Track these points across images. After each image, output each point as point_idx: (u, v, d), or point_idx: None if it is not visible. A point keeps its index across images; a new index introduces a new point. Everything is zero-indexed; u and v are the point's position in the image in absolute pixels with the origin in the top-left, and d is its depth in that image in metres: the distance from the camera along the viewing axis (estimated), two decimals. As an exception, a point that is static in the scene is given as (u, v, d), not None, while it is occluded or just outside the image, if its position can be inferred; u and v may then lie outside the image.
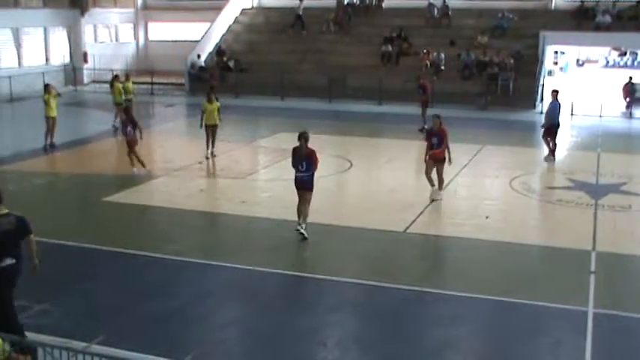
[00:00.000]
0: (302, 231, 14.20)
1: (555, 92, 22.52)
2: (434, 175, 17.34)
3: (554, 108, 22.32)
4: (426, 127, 26.65)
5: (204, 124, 21.91)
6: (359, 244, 14.73)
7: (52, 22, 40.08)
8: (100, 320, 10.74)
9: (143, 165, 19.76)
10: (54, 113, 23.35)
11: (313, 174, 14.32)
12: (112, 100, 27.74)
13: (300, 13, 40.13)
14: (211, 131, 21.88)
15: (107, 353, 6.95)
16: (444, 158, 17.19)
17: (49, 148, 23.13)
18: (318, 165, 14.37)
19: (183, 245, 14.21)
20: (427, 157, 17.36)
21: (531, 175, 20.75)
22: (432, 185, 17.38)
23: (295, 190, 14.48)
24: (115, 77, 28.30)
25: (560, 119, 22.54)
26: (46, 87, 24.40)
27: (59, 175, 20.24)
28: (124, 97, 26.87)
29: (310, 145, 14.42)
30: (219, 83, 34.61)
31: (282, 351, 9.98)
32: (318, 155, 14.39)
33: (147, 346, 9.48)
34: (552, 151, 22.12)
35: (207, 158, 21.67)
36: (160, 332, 10.36)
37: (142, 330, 10.44)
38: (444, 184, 17.66)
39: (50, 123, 23.31)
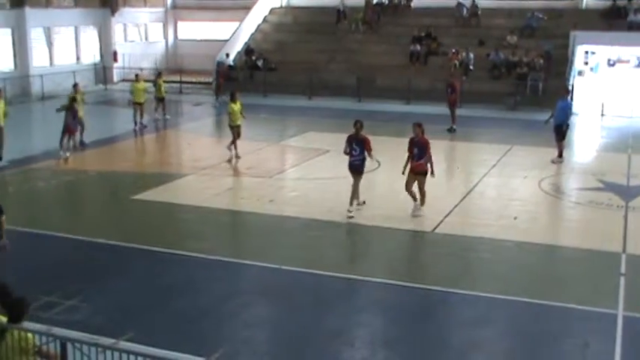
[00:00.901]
0: (351, 214, 15.67)
1: (566, 91, 22.18)
2: (415, 188, 15.96)
3: (565, 107, 21.98)
4: (454, 126, 26.63)
5: (232, 124, 21.93)
6: (387, 244, 14.71)
7: (82, 21, 40.43)
8: (128, 317, 10.83)
9: None
10: (81, 112, 23.56)
11: (364, 159, 15.78)
12: (155, 95, 28.72)
13: (342, 8, 40.11)
14: (237, 132, 21.92)
15: (135, 350, 6.98)
16: (426, 172, 15.72)
17: (79, 146, 23.37)
18: (371, 148, 15.75)
19: (212, 243, 14.28)
20: (406, 169, 15.92)
21: (560, 176, 20.58)
22: (415, 200, 15.98)
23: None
24: (159, 74, 29.81)
25: (570, 119, 22.24)
26: (75, 86, 24.69)
27: (88, 173, 20.40)
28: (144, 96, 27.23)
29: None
30: (223, 82, 34.78)
31: (309, 350, 10.00)
32: (369, 140, 15.81)
33: (175, 343, 9.55)
34: (560, 153, 21.74)
35: (238, 157, 21.72)
36: (188, 330, 10.42)
37: (170, 327, 10.52)
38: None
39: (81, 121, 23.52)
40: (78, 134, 23.41)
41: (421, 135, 15.89)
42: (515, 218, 16.00)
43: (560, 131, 21.63)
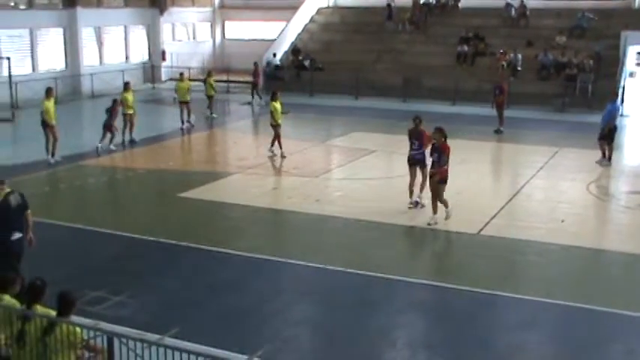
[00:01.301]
0: (419, 202, 16.38)
1: (614, 94, 21.86)
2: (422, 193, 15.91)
3: (612, 110, 21.65)
4: (501, 128, 26.38)
5: (274, 123, 22.04)
6: (431, 245, 14.66)
7: (132, 21, 40.94)
8: (174, 313, 10.95)
9: None
10: (131, 110, 24.03)
11: (424, 152, 16.28)
12: (205, 93, 29.23)
13: (392, 3, 40.05)
14: (278, 130, 22.07)
15: (180, 346, 7.05)
16: (445, 179, 15.21)
17: (129, 144, 23.72)
18: (427, 142, 16.12)
19: (257, 242, 14.36)
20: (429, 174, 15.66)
21: (609, 179, 20.27)
22: (434, 212, 15.33)
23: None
24: (209, 73, 30.39)
25: (617, 122, 21.87)
26: (126, 85, 25.05)
27: (136, 171, 20.66)
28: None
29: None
30: (258, 81, 34.95)
31: (351, 350, 10.00)
32: (427, 134, 16.15)
33: (219, 340, 9.63)
34: (609, 156, 21.38)
35: (283, 157, 21.84)
36: (232, 327, 10.51)
37: (214, 324, 10.62)
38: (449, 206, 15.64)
39: (127, 119, 23.95)
40: (128, 132, 23.77)
41: (442, 141, 15.14)
42: (562, 221, 15.81)
43: (609, 134, 21.32)
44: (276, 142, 22.02)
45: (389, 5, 40.09)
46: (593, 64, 33.03)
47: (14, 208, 10.61)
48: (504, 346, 10.24)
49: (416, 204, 16.46)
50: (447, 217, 15.40)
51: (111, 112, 23.16)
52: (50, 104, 21.18)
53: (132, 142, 23.93)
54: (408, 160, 16.62)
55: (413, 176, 16.59)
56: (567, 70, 33.24)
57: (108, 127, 22.94)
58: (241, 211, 16.89)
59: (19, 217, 10.69)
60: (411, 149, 16.56)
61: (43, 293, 8.02)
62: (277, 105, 21.99)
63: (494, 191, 18.91)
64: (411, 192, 16.52)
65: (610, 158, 21.33)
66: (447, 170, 15.15)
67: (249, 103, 33.74)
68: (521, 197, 17.87)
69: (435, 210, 15.26)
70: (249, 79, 35.66)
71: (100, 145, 22.72)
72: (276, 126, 21.96)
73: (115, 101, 23.56)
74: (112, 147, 22.89)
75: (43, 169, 20.40)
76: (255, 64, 35.39)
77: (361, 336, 10.44)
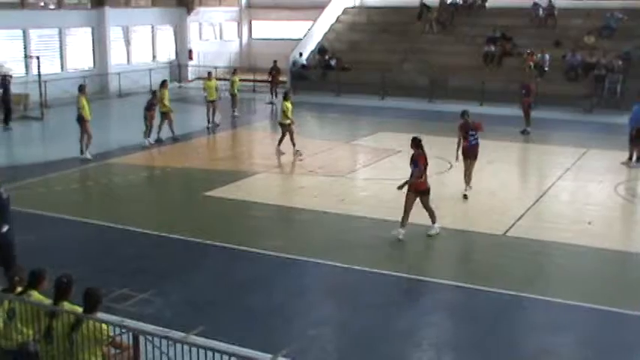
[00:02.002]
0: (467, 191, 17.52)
1: None
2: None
3: (639, 112, 21.39)
4: (528, 129, 26.20)
5: (283, 122, 22.34)
6: (457, 246, 14.59)
7: (159, 20, 41.22)
8: (199, 311, 11.00)
9: None
10: (167, 107, 24.42)
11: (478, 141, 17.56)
12: (230, 92, 29.60)
13: (425, 1, 39.98)
14: (287, 130, 22.31)
15: (205, 344, 7.08)
16: (427, 189, 14.53)
17: (171, 140, 24.29)
18: (483, 129, 17.72)
19: (283, 241, 14.38)
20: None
21: (638, 181, 20.06)
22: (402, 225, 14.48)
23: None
24: (234, 72, 30.87)
25: None
26: (163, 82, 25.47)
27: (163, 169, 20.77)
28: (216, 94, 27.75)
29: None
30: (277, 82, 35.00)
31: (376, 350, 9.98)
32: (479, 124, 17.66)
33: (243, 339, 9.64)
34: (637, 157, 21.14)
35: (298, 155, 22.07)
36: (256, 326, 10.54)
37: (239, 323, 10.64)
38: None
39: (164, 117, 24.42)
40: (167, 128, 24.18)
41: (419, 152, 14.45)
42: (589, 223, 15.67)
43: (637, 135, 21.08)
44: (289, 141, 22.25)
45: (424, 4, 39.89)
46: (622, 65, 32.68)
47: (4, 201, 11.05)
48: (531, 348, 10.17)
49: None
50: (430, 234, 14.56)
51: (150, 104, 23.64)
52: (85, 100, 21.49)
53: (174, 139, 24.34)
54: (463, 152, 17.54)
55: (467, 166, 17.66)
56: (595, 70, 32.90)
57: (147, 118, 23.66)
58: (266, 210, 16.93)
59: (7, 210, 11.15)
60: (468, 141, 17.47)
61: (70, 290, 8.09)
62: (289, 104, 22.26)
63: (520, 192, 18.78)
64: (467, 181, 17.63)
65: (639, 159, 21.11)
66: (421, 181, 14.35)
67: (272, 103, 33.81)
68: (548, 198, 17.74)
69: (403, 222, 14.35)
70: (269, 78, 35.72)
71: (147, 139, 23.55)
72: (286, 125, 22.19)
73: (154, 94, 24.17)
74: (147, 142, 23.46)
75: (71, 166, 20.58)
76: (275, 62, 35.40)
77: (386, 336, 10.41)
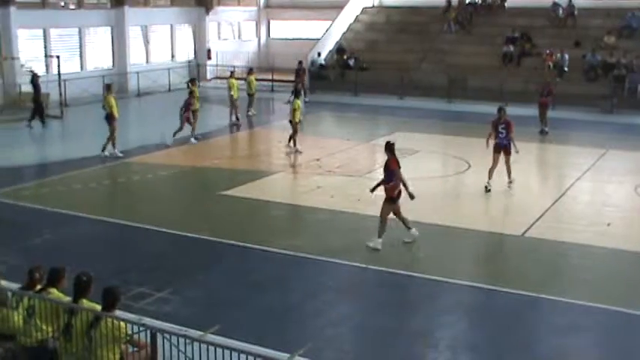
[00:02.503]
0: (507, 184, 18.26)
1: None
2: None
3: None
4: (546, 129, 26.07)
5: (296, 120, 22.63)
6: (475, 246, 14.55)
7: (178, 19, 41.37)
8: (216, 310, 11.03)
9: None
10: (197, 106, 24.80)
11: (510, 139, 17.93)
12: (247, 91, 29.57)
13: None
14: (295, 127, 22.67)
15: (222, 343, 7.11)
16: (391, 197, 13.90)
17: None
18: (514, 130, 18.02)
19: (299, 240, 14.39)
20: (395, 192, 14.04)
21: (658, 182, 19.92)
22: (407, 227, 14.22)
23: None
24: (250, 71, 30.82)
25: None
26: (192, 81, 25.91)
27: (181, 168, 20.83)
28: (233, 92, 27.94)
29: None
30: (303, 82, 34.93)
31: (392, 350, 9.98)
32: (513, 123, 18.17)
33: (260, 338, 9.66)
34: None
35: (299, 152, 22.41)
36: (273, 325, 10.57)
37: (256, 322, 10.67)
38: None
39: (196, 115, 24.80)
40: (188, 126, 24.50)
41: (390, 156, 13.99)
42: (608, 224, 15.57)
43: None
44: (293, 137, 22.61)
45: (449, 2, 39.79)
46: (643, 65, 32.46)
47: None
48: (548, 350, 10.12)
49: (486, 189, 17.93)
50: (370, 245, 13.83)
51: (187, 104, 24.12)
52: (114, 99, 21.94)
53: (196, 137, 24.52)
54: (496, 147, 18.05)
55: (496, 162, 18.03)
56: (615, 70, 32.69)
57: (185, 118, 24.02)
58: (284, 209, 16.96)
59: None
60: (497, 137, 17.98)
61: (89, 288, 8.15)
62: (299, 102, 22.79)
63: (539, 193, 18.71)
64: (491, 176, 17.95)
65: None
66: (393, 188, 13.85)
67: (290, 102, 33.84)
68: (567, 199, 17.65)
69: (382, 230, 13.90)
70: (294, 78, 35.64)
71: (193, 137, 24.17)
72: (295, 123, 22.50)
73: (191, 93, 24.58)
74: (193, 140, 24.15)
75: (90, 165, 20.71)
76: (300, 62, 35.37)
77: (402, 336, 10.41)
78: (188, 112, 24.06)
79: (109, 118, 21.75)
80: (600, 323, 11.04)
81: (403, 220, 14.17)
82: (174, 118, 24.08)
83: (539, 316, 11.27)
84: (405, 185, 13.94)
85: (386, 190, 13.97)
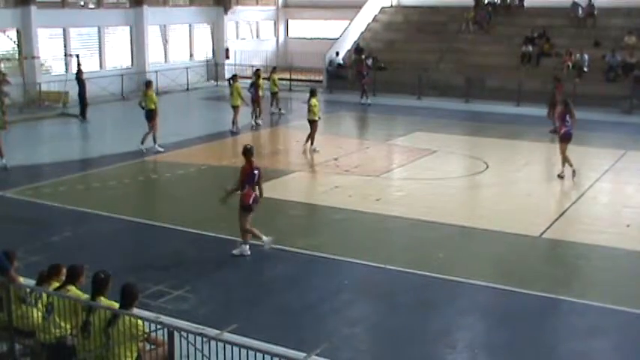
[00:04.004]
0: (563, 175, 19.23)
1: None
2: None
3: None
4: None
5: (311, 119, 22.72)
6: (493, 248, 14.48)
7: (196, 19, 41.47)
8: (233, 309, 11.06)
9: None
10: (237, 102, 25.37)
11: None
12: (270, 90, 29.86)
13: None
14: (314, 126, 22.74)
15: (239, 342, 7.12)
16: (246, 205, 13.31)
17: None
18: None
19: (317, 240, 14.39)
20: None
21: (678, 184, 19.75)
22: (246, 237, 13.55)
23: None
24: (274, 70, 31.46)
25: None
26: (234, 77, 26.50)
27: (200, 167, 20.86)
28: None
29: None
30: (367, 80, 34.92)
31: (409, 351, 9.96)
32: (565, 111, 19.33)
33: (277, 337, 9.66)
34: None
35: (315, 151, 22.54)
36: (291, 324, 10.57)
37: (273, 321, 10.68)
38: None
39: (235, 111, 25.50)
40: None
41: (246, 161, 13.42)
42: (628, 226, 15.46)
43: None
44: (312, 136, 22.68)
45: (477, 2, 39.68)
46: (664, 66, 32.20)
47: None
48: (567, 352, 10.07)
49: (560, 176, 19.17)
50: (234, 253, 13.32)
51: (255, 86, 26.07)
52: (154, 94, 22.75)
53: (233, 132, 25.32)
54: (565, 137, 19.25)
55: (563, 149, 19.25)
56: (636, 71, 32.44)
57: (255, 101, 25.81)
58: (301, 208, 16.96)
59: None
60: (565, 126, 19.30)
61: (107, 286, 8.19)
62: (316, 101, 22.78)
63: (557, 194, 18.60)
64: (570, 163, 19.12)
65: None
66: (247, 195, 13.26)
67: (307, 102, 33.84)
68: (586, 200, 17.54)
69: (245, 237, 13.47)
70: (313, 77, 35.68)
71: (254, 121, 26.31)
72: (313, 122, 22.58)
73: (257, 73, 27.11)
74: (259, 122, 26.11)
75: (109, 163, 20.81)
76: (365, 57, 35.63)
77: (420, 337, 10.39)
78: (257, 97, 25.99)
79: (150, 113, 22.18)
80: (620, 325, 10.94)
81: (244, 233, 13.40)
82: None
83: (558, 317, 11.21)
84: (260, 191, 13.33)
85: (240, 197, 13.29)
